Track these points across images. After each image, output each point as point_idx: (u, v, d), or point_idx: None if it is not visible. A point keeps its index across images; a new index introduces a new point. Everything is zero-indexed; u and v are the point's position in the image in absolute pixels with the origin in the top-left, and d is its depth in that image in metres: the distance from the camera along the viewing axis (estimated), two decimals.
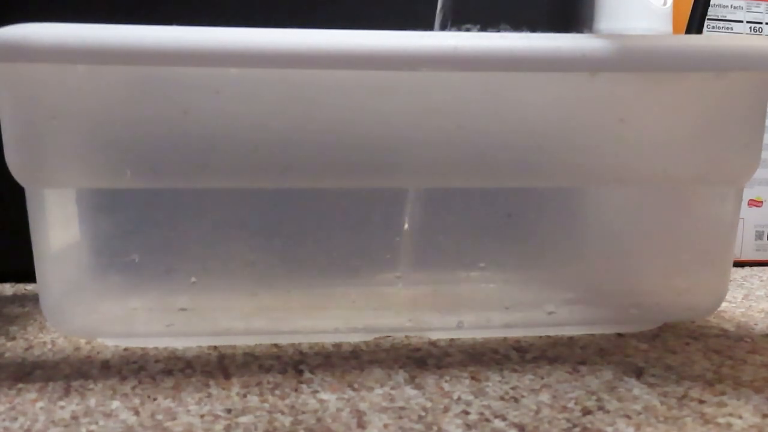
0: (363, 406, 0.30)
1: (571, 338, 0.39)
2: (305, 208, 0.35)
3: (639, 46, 0.33)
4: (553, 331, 0.39)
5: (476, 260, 0.36)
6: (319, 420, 0.29)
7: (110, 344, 0.37)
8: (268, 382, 0.33)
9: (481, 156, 0.35)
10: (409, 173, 0.35)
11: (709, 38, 0.37)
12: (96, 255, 0.34)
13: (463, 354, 0.36)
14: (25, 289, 0.49)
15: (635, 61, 0.33)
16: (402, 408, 0.30)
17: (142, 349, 0.37)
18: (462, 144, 0.34)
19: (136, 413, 0.29)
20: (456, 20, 0.38)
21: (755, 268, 0.58)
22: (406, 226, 0.35)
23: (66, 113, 0.32)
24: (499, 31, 0.34)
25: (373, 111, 0.34)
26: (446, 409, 0.30)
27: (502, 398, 0.31)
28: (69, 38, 0.30)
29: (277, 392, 0.32)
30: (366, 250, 0.36)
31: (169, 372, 0.34)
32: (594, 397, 0.31)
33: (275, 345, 0.37)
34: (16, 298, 0.47)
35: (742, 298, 0.48)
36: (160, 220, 0.34)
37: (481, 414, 0.29)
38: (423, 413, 0.30)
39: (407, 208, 0.35)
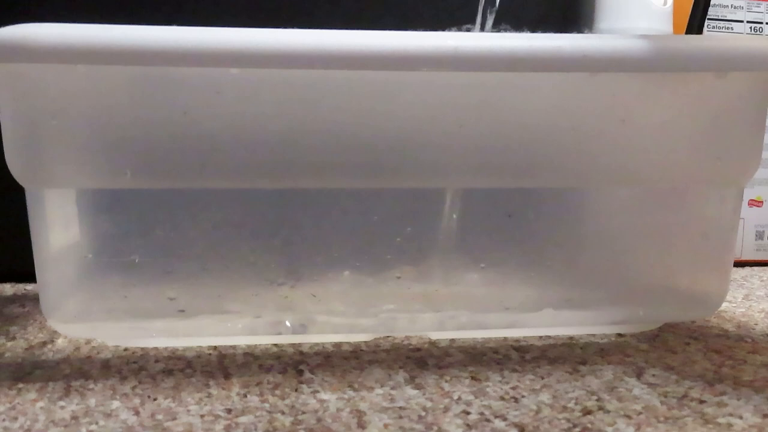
0: (363, 406, 0.30)
1: (571, 338, 0.39)
2: (305, 208, 0.35)
3: (639, 46, 0.33)
4: (553, 331, 0.39)
5: (476, 260, 0.36)
6: (319, 420, 0.29)
7: (110, 344, 0.37)
8: (268, 382, 0.33)
9: (482, 156, 0.35)
10: (409, 174, 0.35)
11: (709, 38, 0.37)
12: (96, 255, 0.34)
13: (463, 354, 0.36)
14: (25, 289, 0.49)
15: (635, 61, 0.33)
16: (402, 408, 0.30)
17: (142, 349, 0.37)
18: (463, 144, 0.34)
19: (137, 413, 0.29)
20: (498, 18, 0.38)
21: (755, 268, 0.58)
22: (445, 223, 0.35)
23: (66, 113, 0.32)
24: (499, 31, 0.34)
25: (374, 111, 0.34)
26: (446, 409, 0.30)
27: (502, 398, 0.31)
28: (69, 38, 0.30)
29: (277, 392, 0.32)
30: (366, 250, 0.36)
31: (169, 372, 0.34)
32: (594, 397, 0.31)
33: (275, 345, 0.37)
34: (16, 298, 0.47)
35: (743, 298, 0.48)
36: (160, 220, 0.34)
37: (482, 414, 0.29)
38: (423, 413, 0.30)
39: (445, 207, 0.35)
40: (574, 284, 0.38)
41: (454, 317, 0.37)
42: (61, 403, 0.30)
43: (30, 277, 0.35)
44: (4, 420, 0.29)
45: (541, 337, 0.39)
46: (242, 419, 0.29)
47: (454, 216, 0.36)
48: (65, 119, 0.32)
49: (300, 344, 0.37)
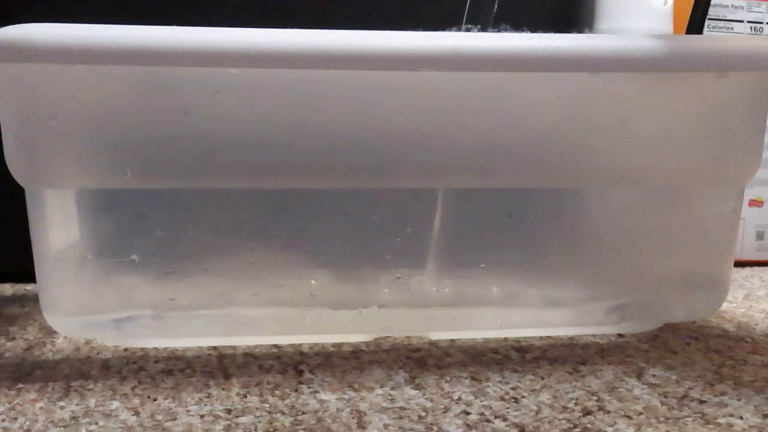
0: (363, 406, 0.30)
1: (571, 338, 0.39)
2: (305, 208, 0.35)
3: (639, 46, 0.33)
4: (553, 332, 0.39)
5: (476, 260, 0.36)
6: (319, 420, 0.29)
7: (110, 344, 0.37)
8: (268, 383, 0.33)
9: (482, 156, 0.35)
10: (409, 174, 0.35)
11: (709, 38, 0.37)
12: (96, 255, 0.34)
13: (463, 354, 0.36)
14: (25, 290, 0.49)
15: (635, 61, 0.33)
16: (402, 408, 0.30)
17: (142, 349, 0.37)
18: (463, 144, 0.34)
19: (136, 413, 0.29)
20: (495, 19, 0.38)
21: (756, 268, 0.58)
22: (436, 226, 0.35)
23: (66, 113, 0.32)
24: (499, 31, 0.34)
25: (373, 111, 0.34)
26: (446, 410, 0.30)
27: (502, 398, 0.31)
28: (69, 38, 0.30)
29: (277, 392, 0.31)
30: (366, 250, 0.36)
31: (169, 372, 0.34)
32: (594, 398, 0.31)
33: (275, 345, 0.37)
34: (16, 299, 0.47)
35: (743, 298, 0.48)
36: (160, 220, 0.34)
37: (482, 414, 0.29)
38: (423, 413, 0.30)
39: (437, 209, 0.35)
40: (573, 284, 0.38)
41: (454, 317, 0.37)
42: (61, 403, 0.30)
43: (30, 277, 0.35)
44: (3, 420, 0.29)
45: (541, 337, 0.39)
46: (242, 419, 0.29)
47: (454, 216, 0.36)
48: (65, 119, 0.32)
49: (300, 344, 0.37)
